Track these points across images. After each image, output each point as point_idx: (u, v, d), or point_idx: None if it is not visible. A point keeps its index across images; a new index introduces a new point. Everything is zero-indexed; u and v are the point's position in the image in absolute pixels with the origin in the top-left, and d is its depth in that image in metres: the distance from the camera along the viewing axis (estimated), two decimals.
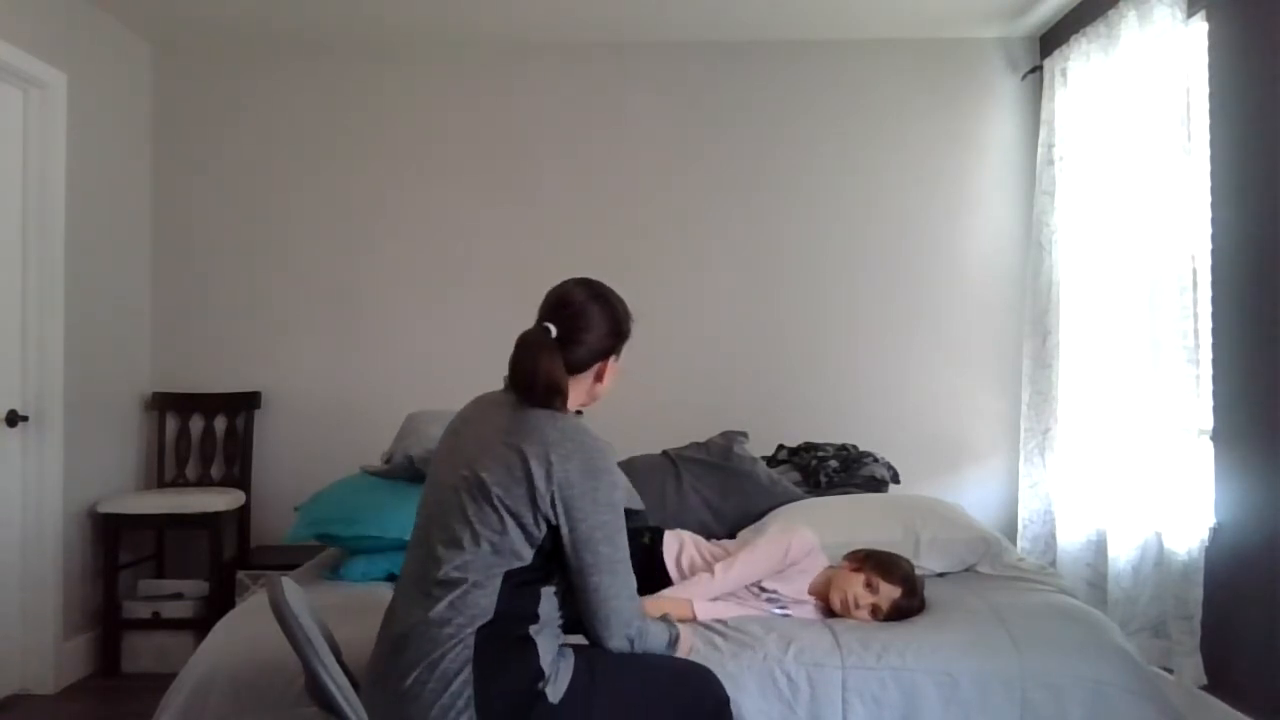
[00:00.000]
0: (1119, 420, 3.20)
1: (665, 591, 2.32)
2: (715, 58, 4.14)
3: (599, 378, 1.89)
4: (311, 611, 1.70)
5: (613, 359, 1.90)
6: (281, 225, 4.16)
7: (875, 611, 2.28)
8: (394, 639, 1.67)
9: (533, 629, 1.67)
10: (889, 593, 2.29)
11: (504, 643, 1.64)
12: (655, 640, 1.82)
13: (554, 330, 1.79)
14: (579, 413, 1.90)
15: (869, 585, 2.29)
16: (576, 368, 1.83)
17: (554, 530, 1.68)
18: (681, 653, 1.93)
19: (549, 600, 1.72)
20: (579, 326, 1.82)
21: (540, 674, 1.64)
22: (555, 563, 1.72)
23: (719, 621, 2.22)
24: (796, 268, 4.12)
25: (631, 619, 1.74)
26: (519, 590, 1.67)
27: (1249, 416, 2.74)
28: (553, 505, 1.66)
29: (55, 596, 3.44)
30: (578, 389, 1.86)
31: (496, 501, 1.66)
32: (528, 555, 1.67)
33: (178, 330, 4.14)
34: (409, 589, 1.71)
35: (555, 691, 1.64)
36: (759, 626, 2.19)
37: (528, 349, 1.77)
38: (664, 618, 1.92)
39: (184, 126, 4.16)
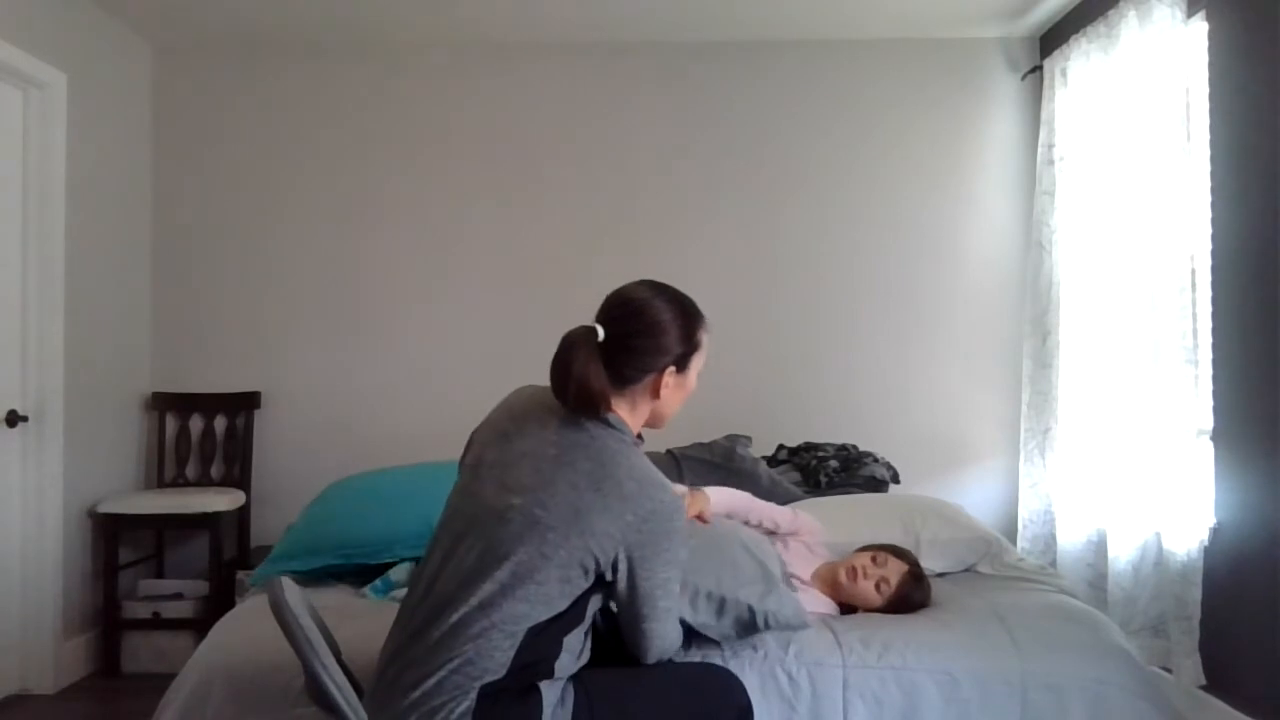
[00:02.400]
0: (1119, 420, 3.20)
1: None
2: (715, 58, 4.14)
3: (655, 393, 1.64)
4: (311, 611, 1.70)
5: (671, 372, 1.64)
6: (281, 225, 4.16)
7: (882, 586, 2.28)
8: (399, 680, 1.54)
9: (541, 681, 1.55)
10: (897, 567, 2.31)
11: (509, 696, 1.51)
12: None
13: (602, 332, 1.59)
14: (640, 437, 1.70)
15: (876, 560, 2.33)
16: (628, 378, 1.61)
17: (603, 582, 1.56)
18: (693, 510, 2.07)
19: (569, 651, 1.58)
20: (633, 329, 1.60)
21: None
22: (585, 607, 1.59)
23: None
24: (796, 267, 4.12)
25: (666, 651, 1.71)
26: (539, 640, 1.52)
27: (1249, 416, 2.74)
28: (615, 562, 1.53)
29: (55, 596, 3.43)
30: (635, 408, 1.66)
31: (550, 548, 1.49)
32: (562, 606, 1.53)
33: (178, 330, 4.14)
34: (420, 616, 1.56)
35: None
36: None
37: (565, 348, 1.57)
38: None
39: (184, 126, 4.16)
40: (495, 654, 1.49)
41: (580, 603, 1.56)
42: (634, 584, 1.56)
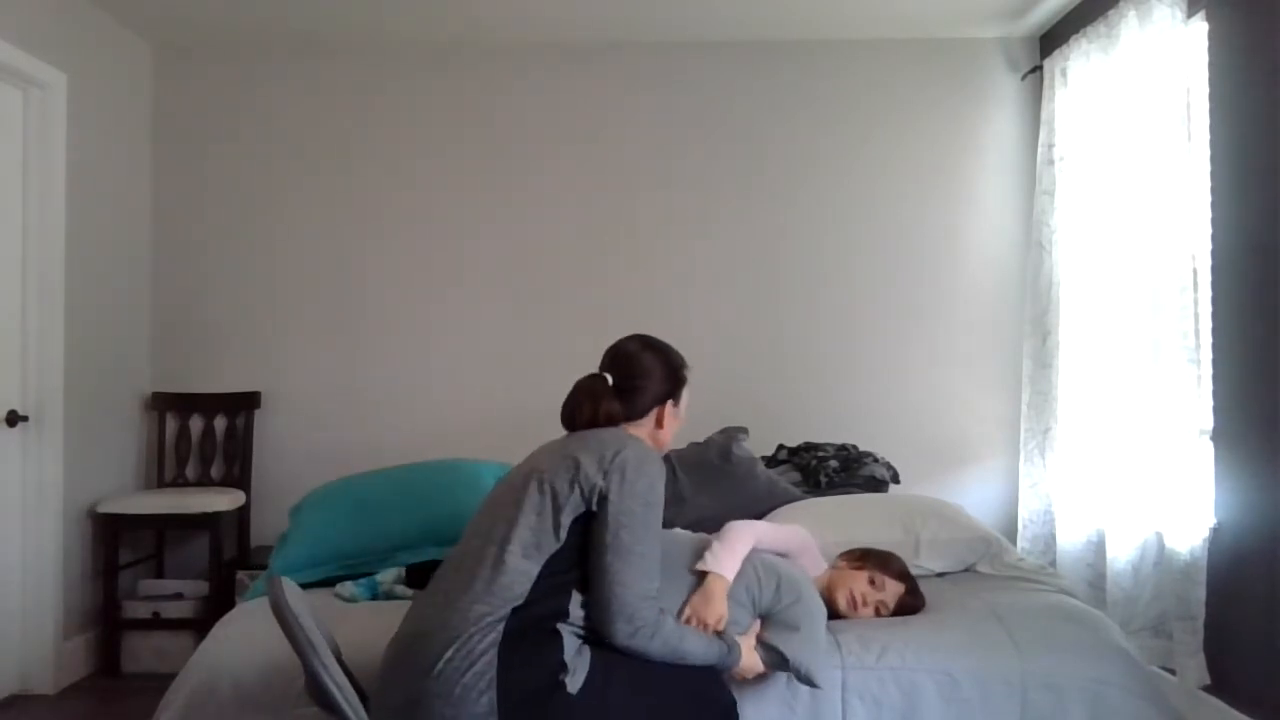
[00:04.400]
0: (1119, 420, 3.20)
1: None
2: (715, 58, 4.14)
3: (659, 423, 2.02)
4: (311, 611, 1.70)
5: (670, 404, 2.03)
6: (281, 225, 4.16)
7: (881, 609, 2.27)
8: (426, 629, 1.69)
9: (560, 625, 1.73)
10: (894, 589, 2.29)
11: (532, 633, 1.69)
12: (689, 647, 1.81)
13: (610, 379, 1.95)
14: None
15: (874, 582, 2.29)
16: (636, 414, 1.97)
17: (590, 518, 1.77)
18: (743, 672, 1.93)
19: (578, 604, 1.77)
20: (634, 373, 1.98)
21: (562, 665, 1.69)
22: (579, 543, 1.79)
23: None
24: (797, 267, 4.12)
25: (635, 614, 1.74)
26: (553, 584, 1.74)
27: (1249, 416, 2.74)
28: (595, 490, 1.76)
29: (55, 596, 3.43)
30: (641, 437, 1.97)
31: (546, 486, 1.78)
32: (563, 535, 1.75)
33: (178, 330, 4.14)
34: (446, 577, 1.78)
35: (574, 683, 1.67)
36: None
37: (585, 395, 1.94)
38: (720, 634, 1.92)
39: (184, 126, 4.16)
40: (515, 585, 1.70)
41: (574, 534, 1.77)
42: (601, 507, 1.77)
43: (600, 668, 1.72)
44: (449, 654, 1.62)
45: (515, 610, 1.68)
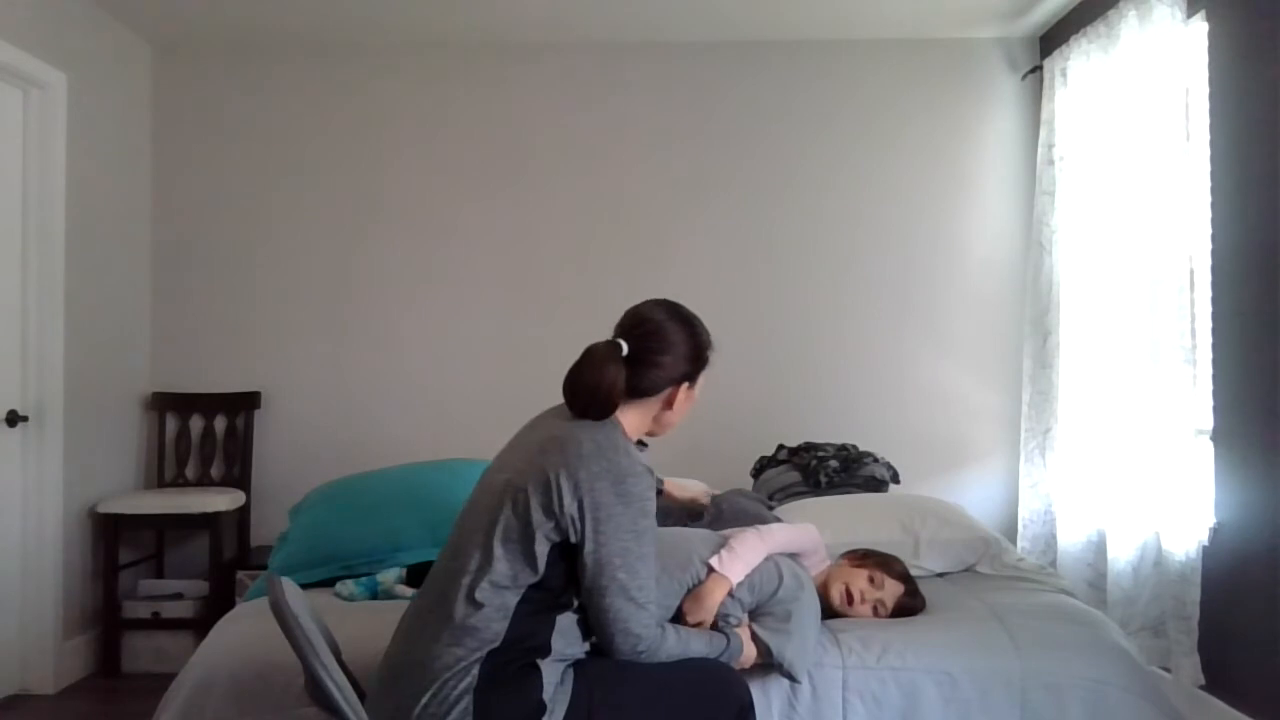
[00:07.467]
0: (1119, 420, 3.20)
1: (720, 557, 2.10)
2: (715, 58, 4.14)
3: (669, 404, 1.81)
4: (311, 611, 1.70)
5: (686, 386, 1.83)
6: (281, 225, 4.16)
7: (879, 608, 2.27)
8: (410, 661, 1.64)
9: (540, 660, 1.64)
10: (893, 589, 2.28)
11: (509, 672, 1.60)
12: (694, 649, 1.77)
13: (626, 347, 1.74)
14: (642, 444, 1.84)
15: (873, 580, 2.28)
16: (646, 390, 1.77)
17: (572, 547, 1.64)
18: (743, 661, 1.90)
19: (562, 632, 1.67)
20: (654, 347, 1.76)
21: (542, 707, 1.60)
22: (573, 584, 1.68)
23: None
24: (796, 267, 4.12)
25: (638, 642, 1.67)
26: (533, 617, 1.64)
27: (1249, 416, 2.74)
28: (573, 522, 1.62)
29: (55, 596, 3.44)
30: (643, 415, 1.81)
31: (523, 508, 1.63)
32: (540, 567, 1.62)
33: (178, 330, 4.14)
34: (428, 603, 1.68)
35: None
36: None
37: (591, 360, 1.71)
38: (719, 627, 1.90)
39: (184, 126, 4.16)
40: (490, 624, 1.60)
41: (559, 572, 1.65)
42: (590, 548, 1.63)
43: (585, 695, 1.64)
44: (425, 699, 1.57)
45: (491, 652, 1.59)
